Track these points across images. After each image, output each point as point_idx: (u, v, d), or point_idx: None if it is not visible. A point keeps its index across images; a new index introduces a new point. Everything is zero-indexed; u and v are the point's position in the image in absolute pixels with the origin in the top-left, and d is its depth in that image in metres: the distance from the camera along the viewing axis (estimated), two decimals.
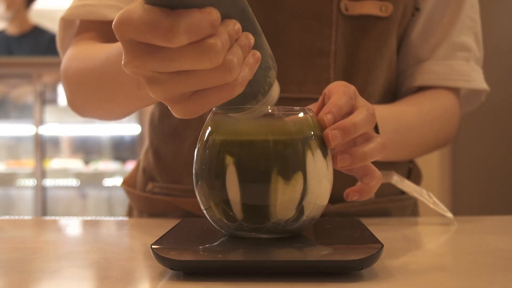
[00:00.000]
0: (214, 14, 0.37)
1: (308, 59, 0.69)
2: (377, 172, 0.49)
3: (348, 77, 0.70)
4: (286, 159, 0.43)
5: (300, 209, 0.44)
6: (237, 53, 0.39)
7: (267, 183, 0.43)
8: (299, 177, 0.43)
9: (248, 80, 0.40)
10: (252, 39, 0.40)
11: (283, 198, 0.43)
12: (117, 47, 0.60)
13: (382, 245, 0.43)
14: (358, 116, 0.47)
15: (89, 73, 0.65)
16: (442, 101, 0.76)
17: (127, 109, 0.68)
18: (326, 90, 0.51)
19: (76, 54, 0.69)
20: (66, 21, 0.75)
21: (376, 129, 0.62)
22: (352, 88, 0.51)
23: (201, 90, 0.40)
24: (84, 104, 0.72)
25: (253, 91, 0.43)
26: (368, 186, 0.48)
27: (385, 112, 0.67)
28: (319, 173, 0.45)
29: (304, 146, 0.44)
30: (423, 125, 0.73)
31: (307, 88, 0.69)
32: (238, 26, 0.39)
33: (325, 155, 0.45)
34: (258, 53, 0.41)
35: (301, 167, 0.44)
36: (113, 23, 0.38)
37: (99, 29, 0.72)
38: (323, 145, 0.45)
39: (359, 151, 0.47)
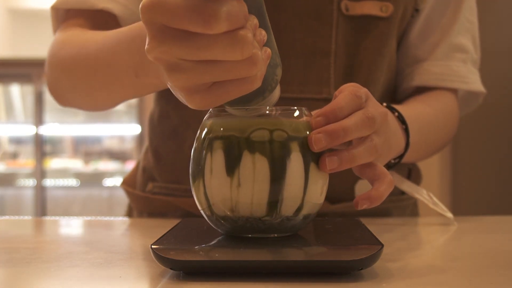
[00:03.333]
0: (245, 6, 0.37)
1: (308, 59, 0.69)
2: (388, 177, 0.47)
3: (348, 77, 0.70)
4: (272, 157, 0.43)
5: (279, 208, 0.44)
6: (258, 48, 0.39)
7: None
8: (280, 175, 0.43)
9: (263, 75, 0.40)
10: (265, 35, 0.41)
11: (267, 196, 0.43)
12: (114, 34, 0.59)
13: (382, 245, 0.43)
14: (350, 120, 0.46)
15: (82, 59, 0.63)
16: (447, 102, 0.76)
17: (118, 98, 0.67)
18: (336, 92, 0.50)
19: (66, 40, 0.68)
20: (59, 11, 0.74)
21: (406, 130, 0.62)
22: (363, 90, 0.50)
23: (221, 82, 0.39)
24: (71, 91, 0.70)
25: (261, 88, 0.43)
26: (377, 191, 0.46)
27: (409, 112, 0.66)
28: (300, 173, 0.44)
29: (291, 146, 0.44)
30: (437, 125, 0.73)
31: (308, 88, 0.69)
32: (256, 21, 0.39)
33: (311, 156, 0.45)
34: (269, 50, 0.41)
35: (283, 166, 0.43)
36: (141, 5, 0.37)
37: (87, 17, 0.71)
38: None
39: (347, 153, 0.45)
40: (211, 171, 0.45)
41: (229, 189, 0.44)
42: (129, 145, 3.36)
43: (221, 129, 0.45)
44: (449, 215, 0.68)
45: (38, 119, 2.84)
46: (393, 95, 0.79)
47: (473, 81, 0.77)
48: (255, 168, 0.43)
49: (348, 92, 0.48)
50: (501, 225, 0.72)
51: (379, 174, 0.47)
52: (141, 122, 2.80)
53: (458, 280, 0.42)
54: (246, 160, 0.43)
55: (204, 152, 0.45)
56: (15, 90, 3.67)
